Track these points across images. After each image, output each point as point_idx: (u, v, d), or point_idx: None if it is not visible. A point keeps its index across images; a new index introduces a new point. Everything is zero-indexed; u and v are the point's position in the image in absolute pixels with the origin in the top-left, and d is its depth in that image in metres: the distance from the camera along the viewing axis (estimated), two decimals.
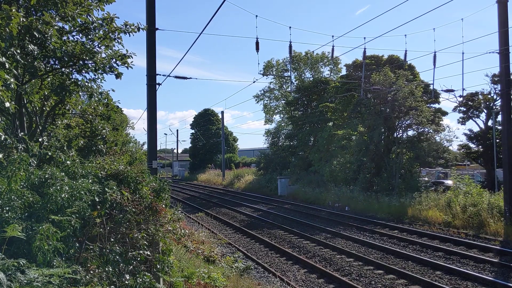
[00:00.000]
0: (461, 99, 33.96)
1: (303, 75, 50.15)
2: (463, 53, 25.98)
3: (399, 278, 11.45)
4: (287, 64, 51.02)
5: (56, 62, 7.59)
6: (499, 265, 12.50)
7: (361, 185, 27.63)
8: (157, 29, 14.94)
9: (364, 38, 32.48)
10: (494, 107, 33.96)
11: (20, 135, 6.50)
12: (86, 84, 8.13)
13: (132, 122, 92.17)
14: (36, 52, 6.52)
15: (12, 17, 5.15)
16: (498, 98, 32.41)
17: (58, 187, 4.82)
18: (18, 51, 6.20)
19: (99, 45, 7.79)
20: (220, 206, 29.62)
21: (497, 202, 18.38)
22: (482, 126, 35.43)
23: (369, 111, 28.28)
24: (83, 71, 7.84)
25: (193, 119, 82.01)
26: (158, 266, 6.30)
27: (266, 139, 49.70)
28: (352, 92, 33.42)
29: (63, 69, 7.63)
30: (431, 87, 27.23)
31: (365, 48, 24.04)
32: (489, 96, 34.52)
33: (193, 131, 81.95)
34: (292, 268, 12.94)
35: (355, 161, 29.69)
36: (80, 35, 7.71)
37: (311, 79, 47.60)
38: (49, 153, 6.98)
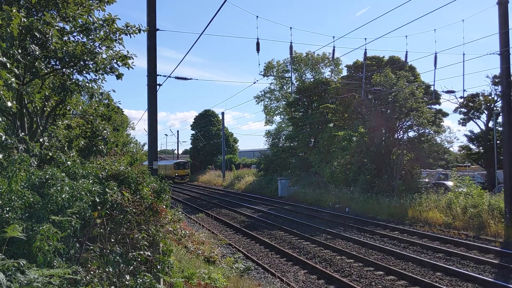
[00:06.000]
0: (462, 100, 33.94)
1: (304, 76, 50.15)
2: (463, 54, 26.02)
3: (400, 279, 11.44)
4: (287, 65, 51.04)
5: (57, 63, 7.61)
6: (499, 267, 12.49)
7: (362, 186, 27.60)
8: (158, 29, 14.94)
9: (365, 39, 32.56)
10: (494, 108, 33.97)
11: (21, 135, 6.50)
12: (87, 84, 8.14)
13: (133, 123, 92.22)
14: (37, 53, 6.53)
15: (13, 18, 5.16)
16: (498, 99, 32.40)
17: (59, 188, 4.82)
18: (19, 51, 6.21)
19: (100, 46, 7.79)
20: (221, 207, 29.61)
21: (497, 204, 18.36)
22: (483, 127, 35.46)
23: (370, 112, 28.27)
24: (84, 72, 7.85)
25: (193, 120, 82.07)
26: (159, 267, 6.29)
27: (266, 140, 49.70)
28: (353, 93, 33.42)
29: (64, 69, 7.64)
30: (432, 88, 27.27)
31: (366, 49, 24.03)
32: (490, 97, 34.53)
33: (193, 132, 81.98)
34: (292, 269, 12.94)
35: (355, 162, 29.67)
36: (81, 35, 7.71)
37: (311, 80, 47.58)
38: (50, 154, 6.98)
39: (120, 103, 11.32)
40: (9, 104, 5.60)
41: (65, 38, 7.49)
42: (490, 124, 34.23)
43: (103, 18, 7.63)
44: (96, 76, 8.12)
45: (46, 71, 7.52)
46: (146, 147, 44.56)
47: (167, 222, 6.98)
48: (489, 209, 18.22)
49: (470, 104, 35.41)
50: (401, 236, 17.20)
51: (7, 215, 4.16)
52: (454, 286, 10.85)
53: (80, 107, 10.44)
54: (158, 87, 15.12)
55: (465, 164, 46.73)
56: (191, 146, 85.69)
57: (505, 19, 17.51)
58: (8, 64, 5.38)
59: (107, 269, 5.08)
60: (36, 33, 6.41)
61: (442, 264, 12.64)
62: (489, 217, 17.73)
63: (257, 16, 19.49)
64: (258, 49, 19.83)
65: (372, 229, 18.88)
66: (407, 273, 11.74)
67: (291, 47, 21.86)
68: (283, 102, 52.20)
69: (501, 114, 22.54)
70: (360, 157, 29.15)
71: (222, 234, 18.67)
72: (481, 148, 35.45)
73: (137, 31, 8.05)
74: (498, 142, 30.37)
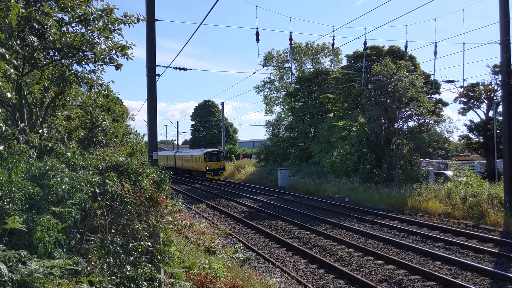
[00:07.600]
0: (462, 89, 33.87)
1: (304, 66, 50.03)
2: (464, 43, 25.91)
3: (399, 268, 11.51)
4: (287, 55, 50.88)
5: (56, 54, 7.57)
6: (498, 255, 12.55)
7: (361, 176, 27.66)
8: (157, 19, 14.86)
9: (365, 28, 32.44)
10: (495, 97, 33.85)
11: (20, 126, 6.49)
12: (86, 75, 8.11)
13: (133, 114, 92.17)
14: (35, 43, 6.49)
15: (11, 8, 5.13)
16: (499, 89, 32.30)
17: (59, 179, 4.82)
18: (18, 42, 6.18)
19: (99, 36, 7.75)
20: (221, 197, 29.70)
21: (497, 193, 18.40)
22: (483, 116, 35.37)
23: (369, 102, 28.20)
24: (83, 63, 7.81)
25: (193, 111, 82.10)
26: (159, 257, 6.31)
27: (266, 131, 49.80)
28: (352, 83, 33.35)
29: (63, 60, 7.60)
30: (432, 78, 27.18)
31: (365, 39, 23.98)
32: (490, 87, 34.40)
33: (193, 122, 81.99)
34: (293, 258, 13.00)
35: (355, 152, 29.69)
36: (80, 26, 7.66)
37: (311, 70, 47.46)
38: (50, 145, 6.99)
39: (119, 94, 11.29)
40: (9, 95, 5.60)
41: (64, 28, 7.45)
42: (490, 113, 34.14)
43: (101, 8, 7.58)
44: (95, 67, 8.08)
45: (45, 62, 7.49)
46: (146, 138, 44.52)
47: (168, 213, 6.98)
48: (488, 199, 18.26)
49: (470, 93, 35.29)
50: (401, 226, 17.27)
51: (7, 207, 4.16)
52: (454, 275, 10.91)
53: (80, 98, 10.42)
54: (157, 77, 15.08)
55: (464, 154, 46.75)
56: (191, 136, 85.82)
57: (505, 8, 17.41)
58: (7, 55, 5.36)
59: (107, 260, 5.09)
60: (34, 24, 6.37)
61: (442, 253, 12.71)
62: (489, 206, 17.77)
63: (256, 6, 19.41)
64: (257, 39, 19.77)
65: (371, 218, 18.94)
66: (406, 262, 11.80)
67: (290, 37, 21.77)
68: (283, 92, 52.13)
69: (501, 103, 22.49)
70: (360, 147, 29.17)
71: (222, 224, 18.74)
72: (481, 137, 35.37)
73: (135, 21, 7.99)
74: (498, 131, 30.32)
